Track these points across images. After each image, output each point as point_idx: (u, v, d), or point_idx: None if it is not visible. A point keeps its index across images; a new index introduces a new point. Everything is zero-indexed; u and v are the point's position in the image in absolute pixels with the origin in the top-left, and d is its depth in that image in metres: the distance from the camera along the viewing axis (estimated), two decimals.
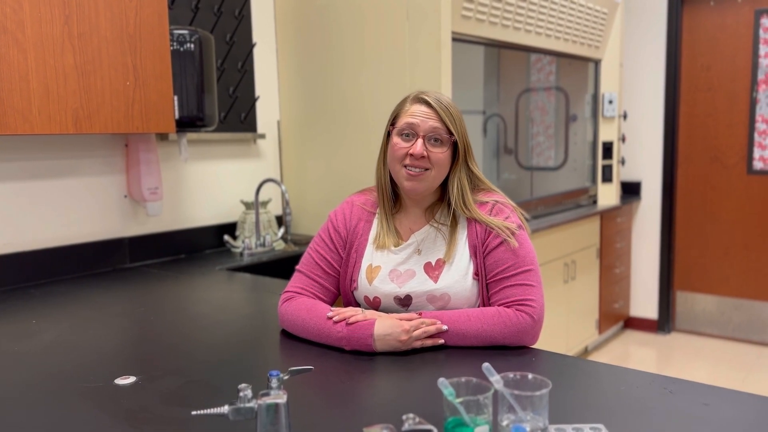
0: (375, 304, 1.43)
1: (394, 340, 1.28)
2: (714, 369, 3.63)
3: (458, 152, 1.38)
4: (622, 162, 4.09)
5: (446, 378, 0.92)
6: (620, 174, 4.20)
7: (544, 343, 1.90)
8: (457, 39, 2.64)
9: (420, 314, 1.33)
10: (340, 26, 2.75)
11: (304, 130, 2.97)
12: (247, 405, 0.91)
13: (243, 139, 2.88)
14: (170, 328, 1.60)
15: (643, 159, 4.25)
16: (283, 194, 2.62)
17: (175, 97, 2.21)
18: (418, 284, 1.39)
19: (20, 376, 1.27)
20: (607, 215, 3.85)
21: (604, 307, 3.90)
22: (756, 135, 3.89)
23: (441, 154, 1.35)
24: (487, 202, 1.40)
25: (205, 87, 2.30)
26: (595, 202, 3.98)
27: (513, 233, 1.36)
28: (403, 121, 1.37)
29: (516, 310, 1.31)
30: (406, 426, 0.86)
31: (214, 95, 2.37)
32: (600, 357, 3.84)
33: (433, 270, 1.39)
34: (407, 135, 1.36)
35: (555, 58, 3.82)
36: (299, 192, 3.04)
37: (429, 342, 1.30)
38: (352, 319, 1.31)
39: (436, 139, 1.35)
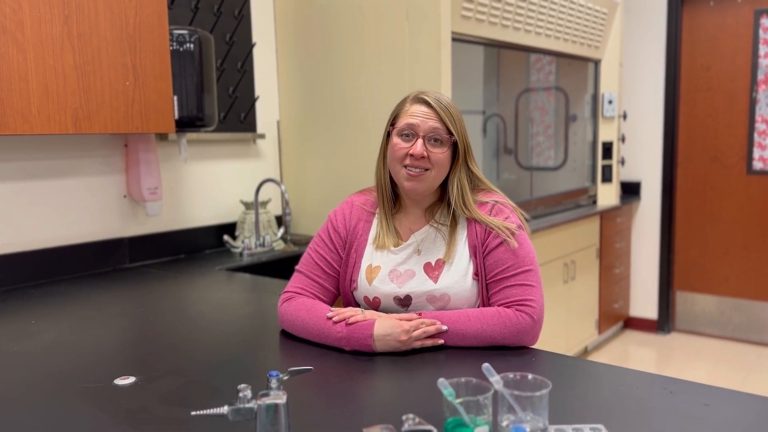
0: (375, 305, 1.43)
1: (393, 340, 1.28)
2: (714, 369, 3.63)
3: (458, 152, 1.38)
4: (622, 162, 4.09)
5: (446, 378, 0.92)
6: (620, 174, 4.20)
7: (543, 343, 1.90)
8: (457, 39, 2.64)
9: (420, 314, 1.33)
10: (340, 26, 2.75)
11: (304, 130, 2.97)
12: (247, 405, 0.91)
13: (242, 139, 2.88)
14: (170, 328, 1.60)
15: (643, 159, 4.25)
16: (282, 194, 2.62)
17: (175, 97, 2.21)
18: (418, 284, 1.39)
19: (20, 376, 1.27)
20: (606, 215, 3.85)
21: (604, 307, 3.90)
22: (756, 135, 3.89)
23: (441, 154, 1.35)
24: (486, 202, 1.40)
25: (204, 87, 2.30)
26: (594, 202, 3.98)
27: (513, 233, 1.36)
28: (403, 121, 1.36)
29: (516, 310, 1.31)
30: (405, 426, 0.86)
31: (213, 95, 2.37)
32: (600, 357, 3.84)
33: (432, 270, 1.39)
34: (407, 135, 1.36)
35: (555, 58, 3.82)
36: (299, 192, 3.04)
37: (429, 342, 1.30)
38: (351, 320, 1.31)
39: (436, 140, 1.35)
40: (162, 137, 2.53)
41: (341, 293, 1.49)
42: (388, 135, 1.41)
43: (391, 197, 1.46)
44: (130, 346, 1.49)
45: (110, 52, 1.97)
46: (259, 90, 2.94)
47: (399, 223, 1.46)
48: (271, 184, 2.94)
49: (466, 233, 1.40)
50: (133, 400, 1.13)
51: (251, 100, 2.90)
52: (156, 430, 1.00)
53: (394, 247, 1.42)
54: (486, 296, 1.37)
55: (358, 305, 1.48)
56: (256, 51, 2.91)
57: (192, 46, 2.25)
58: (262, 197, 2.88)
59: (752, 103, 3.89)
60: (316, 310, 1.37)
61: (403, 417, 0.88)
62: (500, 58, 3.83)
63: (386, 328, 1.28)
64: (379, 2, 2.59)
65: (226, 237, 2.68)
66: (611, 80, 3.87)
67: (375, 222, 1.47)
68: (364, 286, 1.43)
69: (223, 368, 1.28)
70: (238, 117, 2.84)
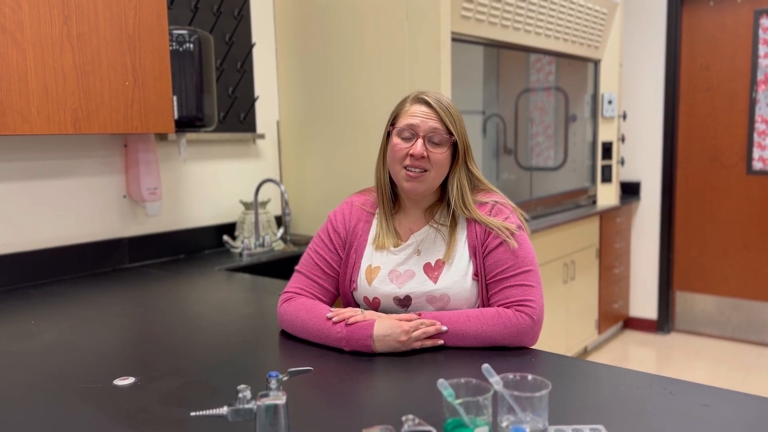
0: (374, 305, 1.43)
1: (393, 340, 1.28)
2: (713, 369, 3.63)
3: (458, 153, 1.38)
4: (622, 162, 4.09)
5: (446, 379, 0.92)
6: (620, 174, 4.20)
7: (543, 343, 1.90)
8: (457, 39, 2.64)
9: (419, 315, 1.33)
10: (340, 26, 2.75)
11: (304, 130, 2.97)
12: (246, 406, 0.91)
13: (242, 140, 2.88)
14: (169, 328, 1.60)
15: (643, 159, 4.25)
16: (282, 194, 2.62)
17: (175, 98, 2.21)
18: (418, 285, 1.38)
19: (20, 376, 1.27)
20: (606, 215, 3.85)
21: (604, 307, 3.90)
22: (755, 135, 3.89)
23: (441, 154, 1.35)
24: (486, 202, 1.40)
25: (204, 87, 2.30)
26: (594, 202, 3.98)
27: (512, 234, 1.36)
28: (403, 121, 1.36)
29: (515, 310, 1.31)
30: (405, 427, 0.86)
31: (213, 95, 2.36)
32: (599, 357, 3.84)
33: (432, 270, 1.39)
34: (407, 135, 1.36)
35: (554, 58, 3.82)
36: (298, 192, 3.04)
37: (428, 343, 1.30)
38: (351, 320, 1.31)
39: (436, 140, 1.35)
40: (162, 137, 2.53)
41: (341, 294, 1.49)
42: (387, 135, 1.41)
43: (391, 197, 1.46)
44: (129, 347, 1.49)
45: (110, 53, 1.97)
46: (258, 90, 2.94)
47: (399, 224, 1.46)
48: (270, 184, 2.94)
49: (465, 233, 1.40)
50: (132, 400, 1.13)
51: (251, 100, 2.90)
52: (155, 431, 1.00)
53: (394, 247, 1.42)
54: (486, 297, 1.37)
55: (357, 306, 1.48)
56: (255, 51, 2.91)
57: (191, 46, 2.25)
58: (261, 197, 2.87)
59: (752, 103, 3.89)
60: (315, 310, 1.37)
61: (403, 418, 0.88)
62: (500, 58, 3.83)
63: (386, 328, 1.28)
64: (379, 2, 2.59)
65: (225, 237, 2.68)
66: (611, 80, 3.87)
67: (375, 222, 1.47)
68: (363, 287, 1.43)
69: (223, 369, 1.28)
70: (237, 117, 2.84)
